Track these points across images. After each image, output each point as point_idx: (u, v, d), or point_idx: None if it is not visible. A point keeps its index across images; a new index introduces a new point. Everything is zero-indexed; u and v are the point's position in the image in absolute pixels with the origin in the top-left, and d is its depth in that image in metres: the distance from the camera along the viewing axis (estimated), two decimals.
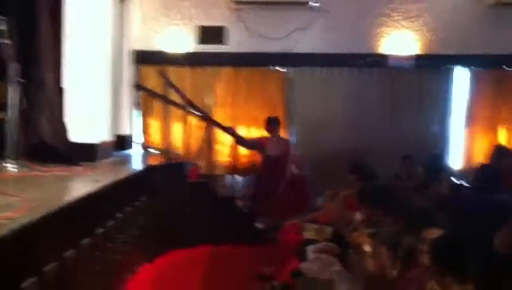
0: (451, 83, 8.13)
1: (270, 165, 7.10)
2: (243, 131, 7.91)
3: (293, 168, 7.29)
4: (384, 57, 7.95)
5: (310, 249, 4.45)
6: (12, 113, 5.52)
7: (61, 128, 5.77)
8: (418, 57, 7.93)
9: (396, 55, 7.93)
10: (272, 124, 7.25)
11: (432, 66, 8.05)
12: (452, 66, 8.09)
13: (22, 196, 3.83)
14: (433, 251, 2.83)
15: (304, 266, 4.22)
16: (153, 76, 7.83)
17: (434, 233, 3.10)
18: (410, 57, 7.94)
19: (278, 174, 7.01)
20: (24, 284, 3.09)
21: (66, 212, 3.63)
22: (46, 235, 3.39)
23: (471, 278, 2.66)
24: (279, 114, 7.94)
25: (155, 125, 7.72)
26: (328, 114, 8.03)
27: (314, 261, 4.19)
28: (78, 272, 3.90)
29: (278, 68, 8.04)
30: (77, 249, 3.87)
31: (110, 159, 6.27)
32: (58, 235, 3.58)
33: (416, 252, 3.17)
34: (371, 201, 4.34)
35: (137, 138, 7.76)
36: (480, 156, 7.85)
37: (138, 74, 7.83)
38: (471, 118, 7.99)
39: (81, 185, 4.62)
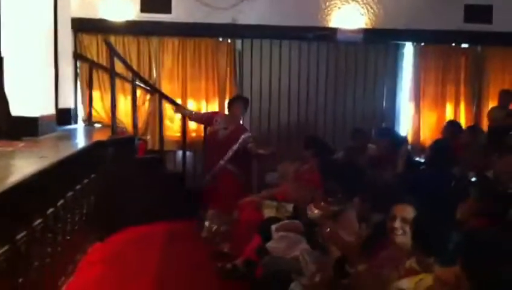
0: (400, 58, 8.18)
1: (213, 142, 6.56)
2: (192, 104, 7.66)
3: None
4: (332, 30, 7.86)
5: (274, 227, 4.32)
6: None
7: (0, 100, 5.33)
8: (366, 31, 7.89)
9: (345, 29, 7.87)
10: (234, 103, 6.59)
11: (380, 41, 8.05)
12: (400, 42, 8.13)
13: None
14: (415, 230, 2.74)
15: (270, 244, 4.09)
16: (95, 45, 7.42)
17: (404, 210, 3.02)
18: (358, 31, 7.90)
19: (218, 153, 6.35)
20: None
21: (15, 193, 3.31)
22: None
23: (454, 258, 2.57)
24: (228, 86, 7.76)
25: (98, 98, 7.33)
26: (277, 87, 7.91)
27: (281, 240, 4.06)
28: (30, 255, 3.62)
29: (225, 39, 7.81)
30: (28, 231, 3.58)
31: (53, 134, 5.88)
32: (8, 218, 3.28)
33: (386, 230, 3.08)
34: (333, 177, 4.26)
35: (81, 112, 7.35)
36: (428, 132, 7.99)
37: (79, 43, 7.38)
38: (419, 94, 8.07)
39: (26, 162, 4.26)
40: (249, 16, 7.70)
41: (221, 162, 6.15)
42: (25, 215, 3.58)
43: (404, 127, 8.22)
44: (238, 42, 7.84)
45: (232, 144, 6.19)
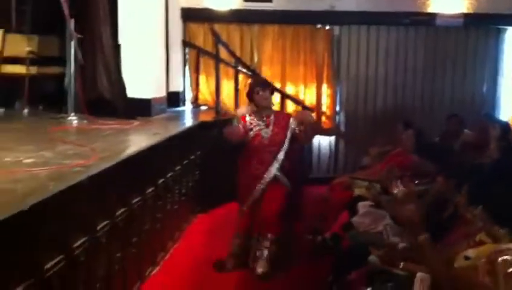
0: (501, 42, 8.02)
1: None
2: (290, 88, 8.01)
3: None
4: (431, 15, 7.86)
5: (361, 205, 4.60)
6: (70, 68, 5.77)
7: (118, 84, 5.97)
8: (466, 16, 7.82)
9: (444, 14, 7.84)
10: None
11: (481, 26, 7.94)
12: (502, 26, 7.97)
13: (90, 146, 4.07)
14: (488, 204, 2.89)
15: (355, 219, 4.38)
16: (201, 33, 7.95)
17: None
18: (458, 16, 7.84)
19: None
20: (99, 227, 3.35)
21: (133, 162, 3.85)
22: (116, 182, 3.63)
23: None
24: (325, 72, 8.01)
25: (204, 82, 7.87)
26: (373, 72, 8.05)
27: (365, 215, 4.34)
28: (143, 218, 4.16)
29: (323, 26, 8.05)
30: (142, 197, 4.12)
31: (164, 115, 6.48)
32: (126, 184, 3.82)
33: (460, 208, 3.23)
34: (429, 159, 4.45)
35: (189, 95, 7.93)
36: None
37: (187, 31, 7.94)
38: None
39: (142, 137, 4.84)
40: (346, 3, 7.88)
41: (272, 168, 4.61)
42: (139, 183, 4.12)
43: (505, 113, 8.07)
44: (336, 28, 8.04)
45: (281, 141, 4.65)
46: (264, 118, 4.69)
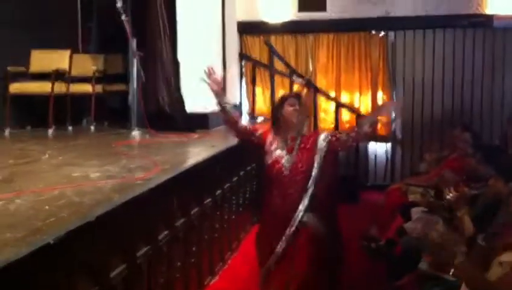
0: None
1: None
2: (345, 96, 8.09)
3: None
4: (489, 17, 7.76)
5: (414, 210, 4.64)
6: (133, 85, 6.10)
7: (177, 99, 6.25)
8: None
9: (502, 15, 7.72)
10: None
11: None
12: None
13: (151, 159, 4.32)
14: None
15: (408, 225, 4.43)
16: (257, 45, 8.16)
17: None
18: None
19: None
20: (160, 237, 3.57)
21: (192, 174, 4.07)
22: (176, 194, 3.85)
23: None
24: (380, 78, 8.04)
25: (260, 93, 8.08)
26: (430, 77, 8.01)
27: (418, 221, 4.39)
28: (201, 228, 4.36)
29: (378, 32, 8.09)
30: (201, 207, 4.32)
31: (222, 127, 6.69)
32: (186, 195, 4.04)
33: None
34: (487, 160, 4.45)
35: (245, 107, 8.15)
36: None
37: (243, 44, 8.17)
38: None
39: (200, 149, 5.06)
40: (401, 8, 7.92)
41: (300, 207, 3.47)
42: (198, 193, 4.33)
43: None
44: (391, 34, 8.07)
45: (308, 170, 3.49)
46: (288, 142, 3.53)
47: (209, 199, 4.54)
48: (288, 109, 3.52)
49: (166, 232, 3.65)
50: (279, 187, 3.54)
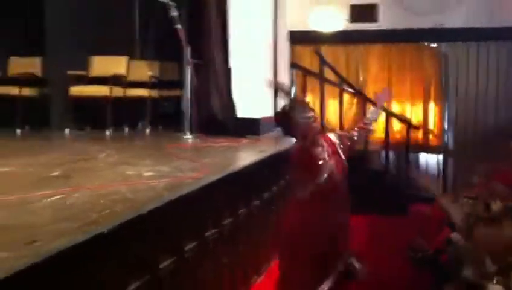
0: None
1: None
2: (396, 107, 8.07)
3: None
4: None
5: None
6: (187, 91, 6.30)
7: (229, 105, 6.41)
8: None
9: None
10: None
11: None
12: None
13: (201, 162, 4.48)
14: None
15: (454, 235, 4.40)
16: (307, 54, 8.26)
17: None
18: None
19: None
20: (207, 234, 3.71)
21: (240, 176, 4.20)
22: (224, 194, 3.98)
23: None
24: (433, 90, 7.99)
25: (311, 102, 8.15)
26: (484, 89, 7.87)
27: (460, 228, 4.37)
28: (248, 228, 4.48)
29: (430, 43, 8.05)
30: (248, 208, 4.44)
31: (271, 133, 6.81)
32: (233, 195, 4.17)
33: None
34: None
35: None
36: None
37: (293, 53, 8.28)
38: None
39: (249, 154, 5.19)
40: (454, 19, 7.83)
41: None
42: (245, 196, 4.45)
43: None
44: (443, 45, 8.00)
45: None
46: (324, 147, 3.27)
47: (257, 201, 4.65)
48: (303, 120, 3.23)
49: (214, 231, 3.79)
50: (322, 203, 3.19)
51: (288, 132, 3.34)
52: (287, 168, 3.54)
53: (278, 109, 3.55)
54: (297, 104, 3.44)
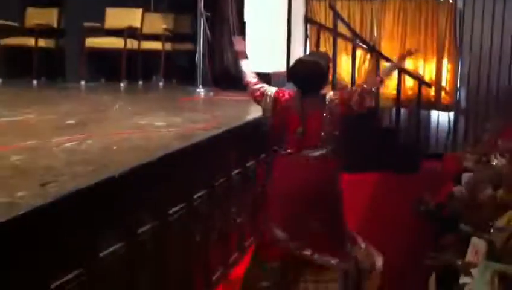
0: None
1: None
2: (409, 63, 8.05)
3: None
4: None
5: (465, 175, 4.71)
6: (201, 45, 6.35)
7: None
8: None
9: None
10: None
11: None
12: None
13: (212, 114, 4.59)
14: None
15: (457, 189, 4.51)
16: (322, 10, 8.21)
17: None
18: None
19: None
20: (217, 183, 3.84)
21: (249, 129, 4.31)
22: (232, 146, 4.10)
23: None
24: (447, 45, 7.94)
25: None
26: (498, 47, 7.79)
27: (466, 186, 4.46)
28: (256, 182, 4.60)
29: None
30: (256, 161, 4.56)
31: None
32: (242, 148, 4.29)
33: None
34: None
35: None
36: None
37: (309, 8, 8.24)
38: None
39: (256, 109, 5.27)
40: None
41: None
42: (254, 149, 4.57)
43: None
44: (460, 1, 7.90)
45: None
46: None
47: (264, 154, 4.76)
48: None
49: (222, 180, 3.92)
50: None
51: (317, 85, 3.31)
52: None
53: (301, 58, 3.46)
54: (325, 56, 3.51)
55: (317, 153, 3.25)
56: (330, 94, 3.30)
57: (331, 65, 3.48)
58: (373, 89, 3.41)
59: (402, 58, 3.84)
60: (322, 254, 3.20)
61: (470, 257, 2.91)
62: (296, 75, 3.38)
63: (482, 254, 2.81)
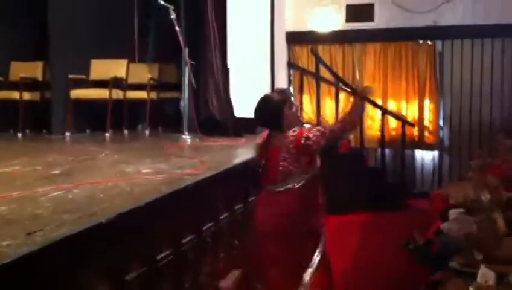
0: None
1: None
2: (392, 105, 8.19)
3: None
4: None
5: (452, 212, 4.74)
6: (186, 92, 6.41)
7: (227, 105, 6.52)
8: None
9: None
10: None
11: None
12: None
13: (199, 159, 4.59)
14: None
15: (444, 225, 4.53)
16: (304, 54, 8.38)
17: None
18: None
19: None
20: (205, 227, 3.82)
21: (236, 171, 4.31)
22: (221, 190, 4.10)
23: None
24: (428, 87, 8.10)
25: (307, 101, 8.27)
26: (478, 86, 7.99)
27: (454, 222, 4.48)
28: (245, 224, 4.58)
29: (426, 41, 8.16)
30: (245, 204, 4.55)
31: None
32: (230, 191, 4.28)
33: None
34: None
35: None
36: None
37: (291, 54, 8.41)
38: None
39: (246, 151, 5.30)
40: (449, 17, 7.97)
41: None
42: (242, 192, 4.56)
43: None
44: (439, 43, 8.12)
45: None
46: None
47: (252, 198, 4.75)
48: (291, 112, 3.33)
49: (210, 224, 3.90)
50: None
51: (273, 122, 3.33)
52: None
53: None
54: (287, 95, 3.45)
55: (279, 189, 3.24)
56: (304, 134, 3.20)
57: (294, 101, 3.48)
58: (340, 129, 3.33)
59: (359, 96, 3.65)
60: None
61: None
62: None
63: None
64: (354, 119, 3.41)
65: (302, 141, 3.15)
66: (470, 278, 3.20)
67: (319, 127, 3.32)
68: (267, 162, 3.27)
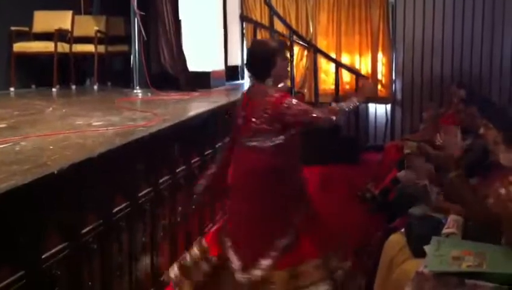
0: None
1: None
2: (346, 58, 8.16)
3: None
4: None
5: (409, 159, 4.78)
6: (136, 45, 6.18)
7: (180, 59, 6.33)
8: None
9: None
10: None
11: None
12: None
13: (153, 112, 4.44)
14: None
15: (401, 174, 4.57)
16: (257, 7, 8.21)
17: None
18: None
19: None
20: (161, 180, 3.71)
21: (192, 125, 4.20)
22: (176, 142, 3.98)
23: None
24: (381, 40, 8.09)
25: None
26: (430, 38, 7.99)
27: (410, 169, 4.52)
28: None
29: None
30: (201, 158, 4.46)
31: (223, 87, 6.81)
32: (186, 145, 4.17)
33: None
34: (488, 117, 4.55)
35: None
36: None
37: (244, 6, 8.22)
38: None
39: (201, 104, 5.18)
40: None
41: None
42: (198, 145, 4.47)
43: None
44: None
45: None
46: None
47: (210, 151, 4.67)
48: (282, 64, 3.08)
49: (167, 177, 3.80)
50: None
51: (263, 69, 3.03)
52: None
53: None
54: (283, 46, 3.23)
55: (250, 144, 3.04)
56: (287, 101, 2.95)
57: (287, 53, 3.28)
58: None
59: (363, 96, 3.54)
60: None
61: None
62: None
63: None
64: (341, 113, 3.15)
65: (284, 105, 2.92)
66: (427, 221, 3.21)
67: (307, 107, 3.07)
68: (246, 113, 3.06)
